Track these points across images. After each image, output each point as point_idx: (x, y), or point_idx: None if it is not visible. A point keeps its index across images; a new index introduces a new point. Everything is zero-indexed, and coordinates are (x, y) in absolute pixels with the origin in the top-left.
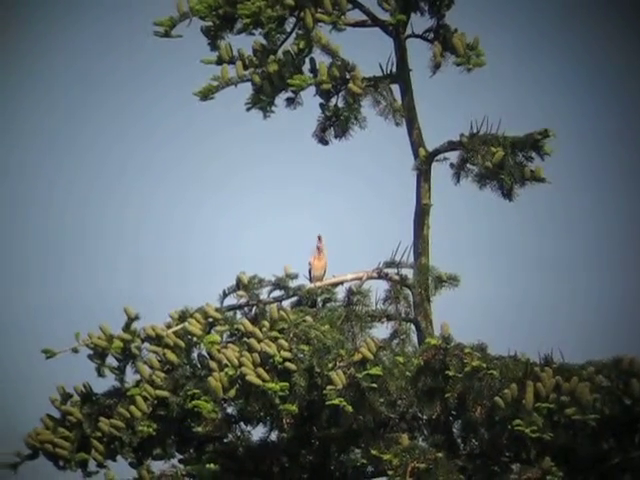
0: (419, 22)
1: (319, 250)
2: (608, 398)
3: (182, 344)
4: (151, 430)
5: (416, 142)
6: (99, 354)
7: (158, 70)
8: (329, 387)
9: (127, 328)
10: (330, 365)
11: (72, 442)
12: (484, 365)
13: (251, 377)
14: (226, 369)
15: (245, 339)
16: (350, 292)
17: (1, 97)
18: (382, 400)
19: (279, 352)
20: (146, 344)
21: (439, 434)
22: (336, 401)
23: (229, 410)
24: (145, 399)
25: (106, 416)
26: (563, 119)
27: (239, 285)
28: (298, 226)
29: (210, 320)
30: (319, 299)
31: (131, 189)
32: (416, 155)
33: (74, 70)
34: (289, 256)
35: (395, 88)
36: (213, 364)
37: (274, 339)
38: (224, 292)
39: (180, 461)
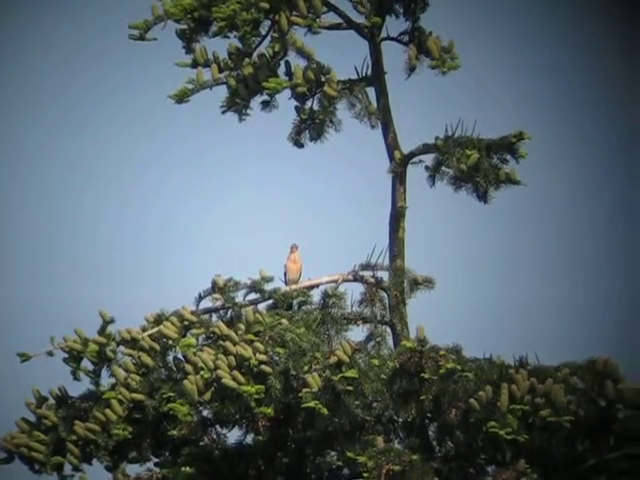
0: (394, 25)
1: (294, 253)
2: (583, 400)
3: (157, 347)
4: (127, 433)
5: (391, 145)
6: (74, 357)
7: (132, 73)
8: (305, 390)
9: (102, 331)
10: (306, 368)
11: (47, 445)
12: (459, 367)
13: (227, 380)
14: (202, 372)
15: (221, 342)
16: (326, 295)
17: None
18: (358, 403)
19: (255, 355)
20: (121, 347)
21: (414, 436)
22: (312, 404)
23: (205, 413)
24: (120, 402)
25: (82, 419)
26: (539, 121)
27: (215, 288)
28: (274, 229)
29: (186, 323)
30: (295, 302)
31: (105, 191)
32: (391, 158)
33: (56, 78)
34: (264, 259)
35: (370, 91)
36: (189, 367)
37: (250, 342)
38: (200, 295)
39: (156, 464)
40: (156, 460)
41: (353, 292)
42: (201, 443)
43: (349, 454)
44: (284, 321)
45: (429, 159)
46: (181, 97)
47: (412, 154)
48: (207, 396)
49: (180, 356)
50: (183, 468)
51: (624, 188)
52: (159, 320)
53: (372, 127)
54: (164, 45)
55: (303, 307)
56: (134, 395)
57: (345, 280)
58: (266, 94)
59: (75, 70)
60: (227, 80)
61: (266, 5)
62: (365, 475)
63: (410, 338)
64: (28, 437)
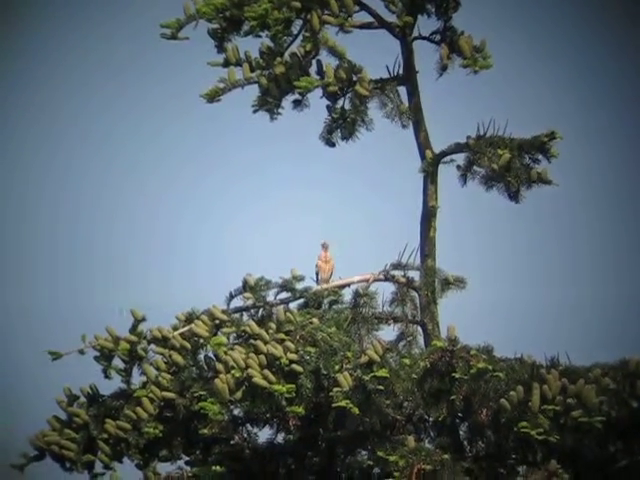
0: (426, 24)
1: (325, 252)
2: (614, 400)
3: (188, 346)
4: (157, 432)
5: (423, 144)
6: (106, 356)
7: (164, 73)
8: (335, 389)
9: (134, 330)
10: (337, 367)
11: (78, 444)
12: (490, 367)
13: (257, 379)
14: (232, 371)
15: (252, 341)
16: (357, 294)
17: (6, 101)
18: (388, 402)
19: (285, 354)
20: (152, 346)
21: (445, 436)
22: (343, 403)
23: (235, 412)
24: (151, 401)
25: (112, 418)
26: (571, 121)
27: (245, 287)
28: (305, 228)
29: (217, 322)
30: (326, 301)
31: (139, 193)
32: (423, 157)
33: (77, 74)
34: (296, 258)
35: (402, 90)
36: (219, 366)
37: (281, 341)
38: (231, 294)
39: (186, 463)
40: (187, 459)
41: (384, 291)
42: (232, 442)
43: (380, 453)
44: (315, 320)
45: (460, 158)
46: (212, 96)
47: (443, 153)
48: (238, 395)
49: (211, 355)
50: (214, 467)
51: None
52: (190, 319)
53: (403, 126)
54: (196, 44)
55: (334, 306)
56: (165, 393)
57: (376, 279)
58: (297, 93)
59: (108, 71)
60: (259, 79)
61: (298, 4)
62: (396, 474)
63: (441, 338)
64: (59, 435)
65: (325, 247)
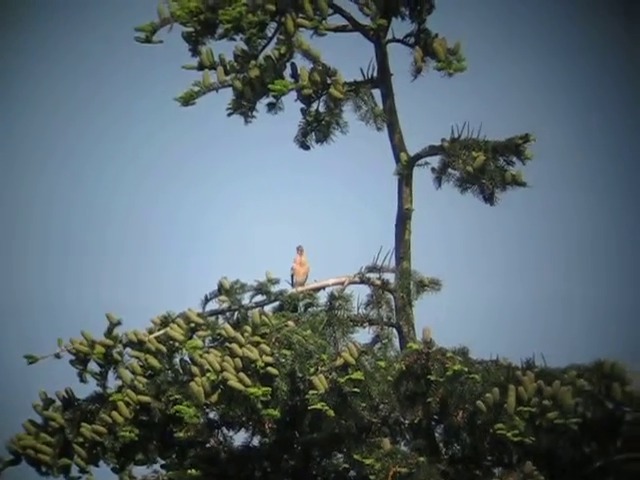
0: (400, 27)
1: (301, 256)
2: (590, 402)
3: (164, 349)
4: (133, 435)
5: (398, 147)
6: (81, 360)
7: (137, 75)
8: (311, 392)
9: (109, 333)
10: (312, 370)
11: (54, 447)
12: (466, 369)
13: (233, 382)
14: (208, 374)
15: (227, 344)
16: (332, 297)
17: (4, 100)
18: (364, 405)
19: (261, 357)
20: (128, 349)
21: (421, 438)
22: (318, 406)
23: (211, 415)
24: (127, 404)
25: (88, 422)
26: (545, 123)
27: (221, 290)
28: (280, 231)
29: (192, 325)
30: (301, 304)
31: (112, 197)
32: (398, 160)
33: (62, 84)
34: (271, 261)
35: (376, 93)
36: (195, 369)
37: (256, 344)
38: (206, 297)
39: (162, 466)
40: (163, 462)
41: (359, 294)
42: (207, 445)
43: (356, 456)
44: (290, 323)
45: (435, 161)
46: (187, 100)
47: (418, 156)
48: (214, 398)
49: (187, 358)
50: (189, 470)
51: (632, 188)
52: (165, 322)
53: (378, 129)
54: (170, 47)
55: (309, 309)
56: (141, 397)
57: (351, 282)
58: (272, 96)
59: (80, 74)
60: (233, 82)
61: (272, 7)
62: (372, 477)
63: (417, 340)
64: (35, 439)
65: (300, 250)
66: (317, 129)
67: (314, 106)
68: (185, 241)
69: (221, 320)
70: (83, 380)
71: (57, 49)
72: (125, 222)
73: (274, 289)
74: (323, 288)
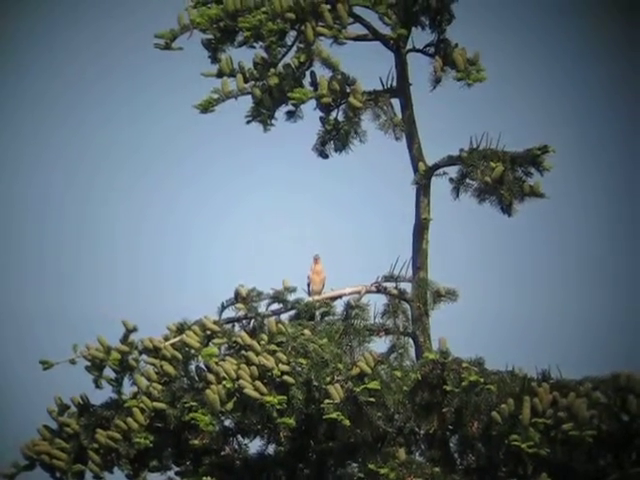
0: (420, 36)
1: (317, 264)
2: (605, 414)
3: (180, 356)
4: (148, 442)
5: (416, 156)
6: (97, 366)
7: (157, 81)
8: (327, 401)
9: (125, 340)
10: (328, 379)
11: (69, 453)
12: (481, 380)
13: (249, 390)
14: (224, 382)
15: (243, 352)
16: (348, 306)
17: None
18: (379, 414)
19: (277, 365)
20: (144, 356)
21: (436, 449)
22: (334, 415)
23: (226, 423)
24: (142, 411)
25: (103, 428)
26: (563, 135)
27: (237, 298)
28: (297, 239)
29: (208, 333)
30: (317, 313)
31: (125, 203)
32: (416, 169)
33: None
34: (287, 269)
35: (395, 102)
36: (211, 377)
37: (272, 352)
38: (222, 305)
39: (177, 473)
40: (177, 469)
41: (376, 303)
42: (222, 453)
43: (370, 466)
44: (307, 332)
45: (453, 171)
46: (206, 107)
47: (436, 166)
48: (229, 406)
49: (202, 365)
50: (204, 478)
51: None
52: (181, 329)
53: (397, 138)
54: (190, 54)
55: (326, 318)
56: (156, 404)
57: (368, 291)
58: (291, 104)
59: (76, 71)
60: (252, 90)
61: (292, 15)
62: None
63: (432, 350)
64: (50, 445)
65: (317, 259)
66: (336, 138)
67: (333, 115)
68: (202, 249)
69: (237, 328)
70: (98, 386)
71: (57, 45)
72: (140, 229)
73: (291, 297)
74: (340, 297)
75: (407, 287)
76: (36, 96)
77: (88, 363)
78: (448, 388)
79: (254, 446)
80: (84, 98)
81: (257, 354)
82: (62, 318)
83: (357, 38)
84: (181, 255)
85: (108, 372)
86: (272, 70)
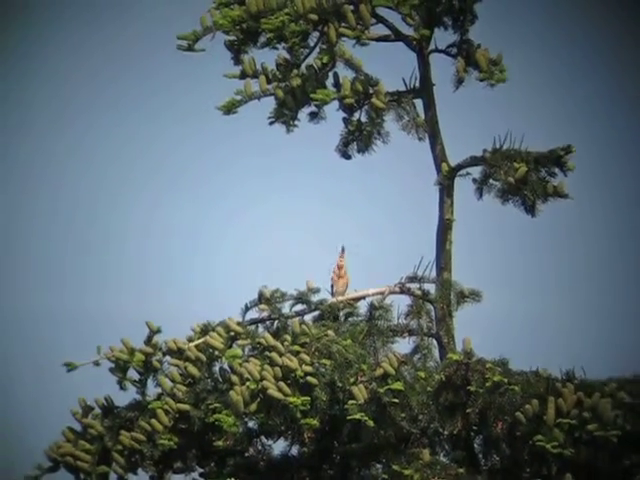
0: (443, 37)
1: (341, 265)
2: (630, 414)
3: (204, 358)
4: (172, 443)
5: (439, 157)
6: (121, 367)
7: (180, 81)
8: (350, 402)
9: (149, 341)
10: (352, 380)
11: (93, 455)
12: (505, 380)
13: (272, 391)
14: (247, 383)
15: (267, 353)
16: (372, 307)
17: (7, 100)
18: (403, 415)
19: (301, 366)
20: (167, 357)
21: (460, 449)
22: (357, 416)
23: (250, 424)
24: (166, 412)
25: (127, 429)
26: (587, 135)
27: (261, 299)
28: (321, 241)
29: (232, 334)
30: (341, 313)
31: (154, 203)
32: (439, 170)
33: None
34: (311, 270)
35: (418, 103)
36: (234, 378)
37: (296, 353)
38: (246, 306)
39: (201, 475)
40: (201, 470)
41: (400, 304)
42: (246, 454)
43: (395, 467)
44: (330, 333)
45: (477, 172)
46: (229, 108)
47: (460, 166)
48: (253, 407)
49: (226, 367)
50: (228, 479)
51: None
52: (205, 331)
53: (420, 139)
54: (212, 56)
55: (349, 319)
56: (180, 405)
57: (392, 292)
58: (314, 105)
59: (82, 74)
60: (275, 91)
61: (315, 17)
62: None
63: (456, 351)
64: (74, 446)
65: (341, 260)
66: (358, 139)
67: (356, 116)
68: (228, 250)
69: (261, 329)
70: (122, 388)
71: (73, 46)
72: (168, 230)
73: (314, 298)
74: (363, 298)
75: (431, 288)
76: (49, 97)
77: (112, 365)
78: (472, 389)
79: (278, 447)
80: (95, 101)
81: (281, 355)
82: (87, 320)
83: (380, 39)
84: (207, 258)
85: (132, 373)
86: (295, 71)
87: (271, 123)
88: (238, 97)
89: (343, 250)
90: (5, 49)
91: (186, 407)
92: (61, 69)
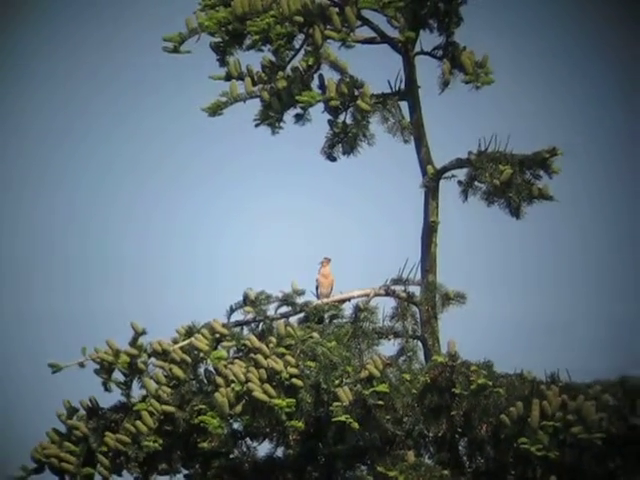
0: (428, 39)
1: (325, 267)
2: (614, 417)
3: (189, 359)
4: (157, 445)
5: (424, 159)
6: (106, 369)
7: (166, 85)
8: (335, 404)
9: (134, 343)
10: (337, 382)
11: (78, 456)
12: (490, 383)
13: (258, 393)
14: (233, 385)
15: (252, 355)
16: (357, 309)
17: (3, 103)
18: (388, 417)
19: (286, 368)
20: (153, 359)
21: (445, 451)
22: (342, 418)
23: (235, 426)
24: (151, 414)
25: (112, 431)
26: (572, 137)
27: (246, 301)
28: (305, 242)
29: (217, 336)
30: (326, 315)
31: (132, 205)
32: (424, 172)
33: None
34: (295, 272)
35: (404, 105)
36: (220, 380)
37: (281, 355)
38: (231, 308)
39: (186, 476)
40: (186, 472)
41: (385, 306)
42: (231, 456)
43: (379, 468)
44: (315, 335)
45: (462, 174)
46: (215, 110)
47: (445, 169)
48: (238, 409)
49: (211, 369)
50: None
51: None
52: (190, 332)
53: (405, 141)
54: (198, 58)
55: (334, 321)
56: (165, 407)
57: (377, 294)
58: (299, 107)
59: (81, 74)
60: (261, 93)
61: (300, 19)
62: None
63: (441, 353)
64: (59, 448)
65: (325, 262)
66: (344, 141)
67: (341, 117)
68: (209, 251)
69: (246, 331)
70: (107, 389)
71: (63, 50)
72: (147, 232)
73: (299, 300)
74: (348, 300)
75: (416, 290)
76: (43, 101)
77: (97, 366)
78: (457, 391)
79: (263, 449)
80: (91, 102)
81: (266, 357)
82: (71, 321)
83: (365, 41)
84: (189, 259)
85: (117, 375)
86: (280, 73)
87: (257, 125)
88: (224, 99)
89: (324, 263)
90: (4, 48)
91: (171, 409)
92: (60, 69)
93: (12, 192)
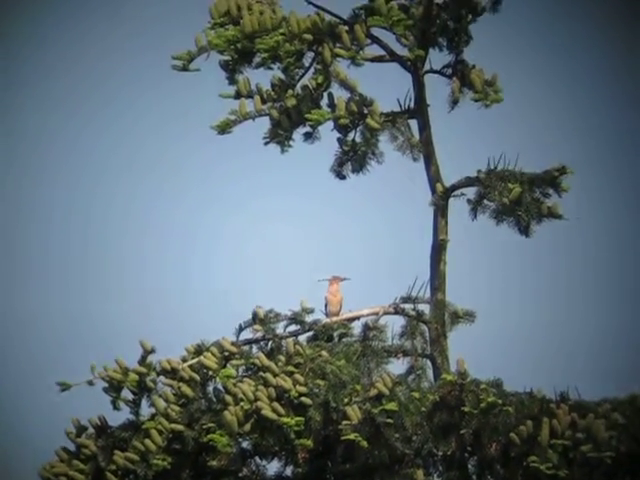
0: (437, 58)
1: (334, 286)
2: (624, 436)
3: (197, 378)
4: (166, 464)
5: (433, 177)
6: (114, 387)
7: (174, 100)
8: (344, 422)
9: (143, 361)
10: (346, 400)
11: (87, 475)
12: (500, 401)
13: (266, 411)
14: (241, 403)
15: (261, 373)
16: (366, 327)
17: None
18: (397, 436)
19: (295, 387)
20: (161, 377)
21: (454, 470)
22: (351, 436)
23: (244, 444)
24: (160, 432)
25: (121, 449)
26: (581, 155)
27: (255, 319)
28: (314, 260)
29: (226, 354)
30: (335, 334)
31: (148, 215)
32: (433, 190)
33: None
34: (304, 290)
35: (413, 123)
36: (228, 398)
37: (290, 374)
38: (240, 326)
39: None
40: None
41: (394, 325)
42: (240, 474)
43: None
44: (324, 353)
45: (471, 192)
46: (224, 128)
47: (454, 187)
48: (247, 427)
49: (220, 387)
50: None
51: None
52: (199, 351)
53: (414, 159)
54: (207, 76)
55: (343, 339)
56: (174, 425)
57: (386, 313)
58: (309, 126)
59: (79, 70)
60: (270, 111)
61: (309, 37)
62: None
63: (450, 371)
64: (67, 466)
65: (334, 280)
66: (353, 159)
67: (350, 136)
68: (222, 270)
69: (255, 349)
70: (116, 407)
71: (61, 45)
72: (164, 247)
73: (308, 319)
74: (357, 318)
75: (425, 308)
76: (45, 96)
77: (106, 384)
78: (466, 409)
79: (272, 468)
80: (87, 100)
81: (275, 375)
82: (80, 340)
83: (375, 59)
84: (202, 277)
85: (126, 393)
86: (290, 91)
87: (266, 143)
88: (232, 117)
89: (332, 281)
90: (2, 48)
91: (180, 427)
92: (58, 67)
93: (9, 191)
